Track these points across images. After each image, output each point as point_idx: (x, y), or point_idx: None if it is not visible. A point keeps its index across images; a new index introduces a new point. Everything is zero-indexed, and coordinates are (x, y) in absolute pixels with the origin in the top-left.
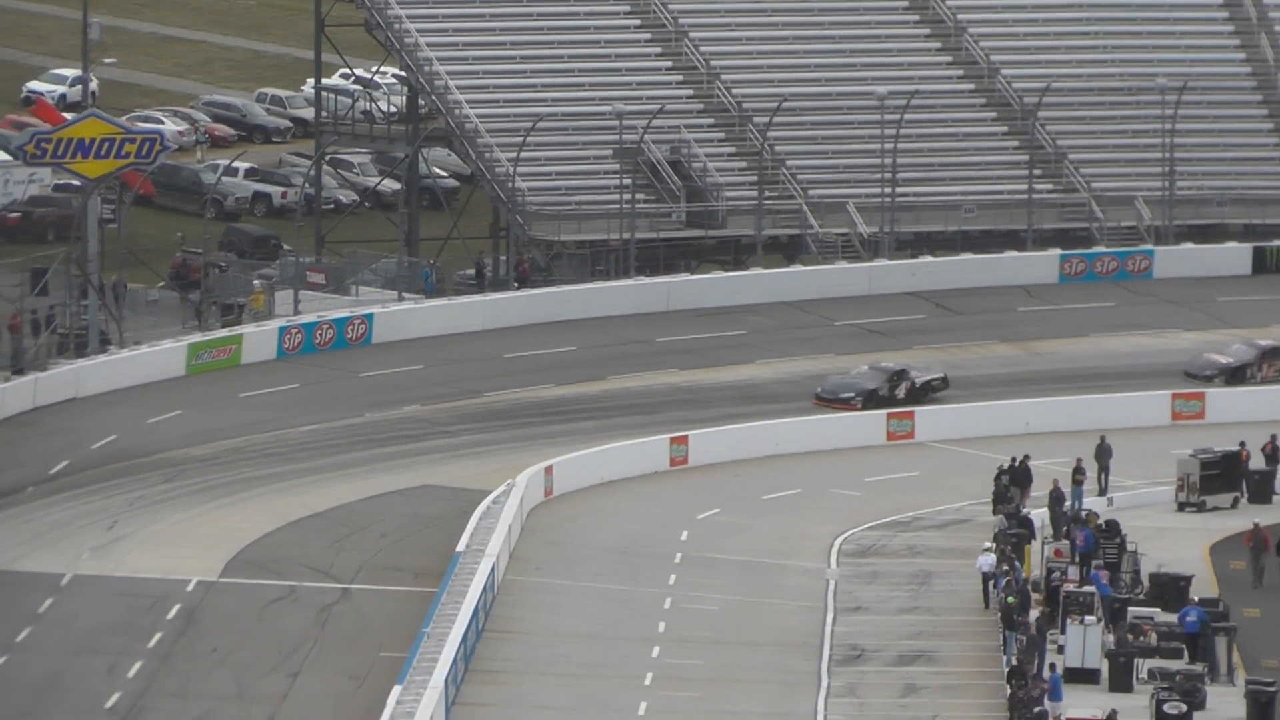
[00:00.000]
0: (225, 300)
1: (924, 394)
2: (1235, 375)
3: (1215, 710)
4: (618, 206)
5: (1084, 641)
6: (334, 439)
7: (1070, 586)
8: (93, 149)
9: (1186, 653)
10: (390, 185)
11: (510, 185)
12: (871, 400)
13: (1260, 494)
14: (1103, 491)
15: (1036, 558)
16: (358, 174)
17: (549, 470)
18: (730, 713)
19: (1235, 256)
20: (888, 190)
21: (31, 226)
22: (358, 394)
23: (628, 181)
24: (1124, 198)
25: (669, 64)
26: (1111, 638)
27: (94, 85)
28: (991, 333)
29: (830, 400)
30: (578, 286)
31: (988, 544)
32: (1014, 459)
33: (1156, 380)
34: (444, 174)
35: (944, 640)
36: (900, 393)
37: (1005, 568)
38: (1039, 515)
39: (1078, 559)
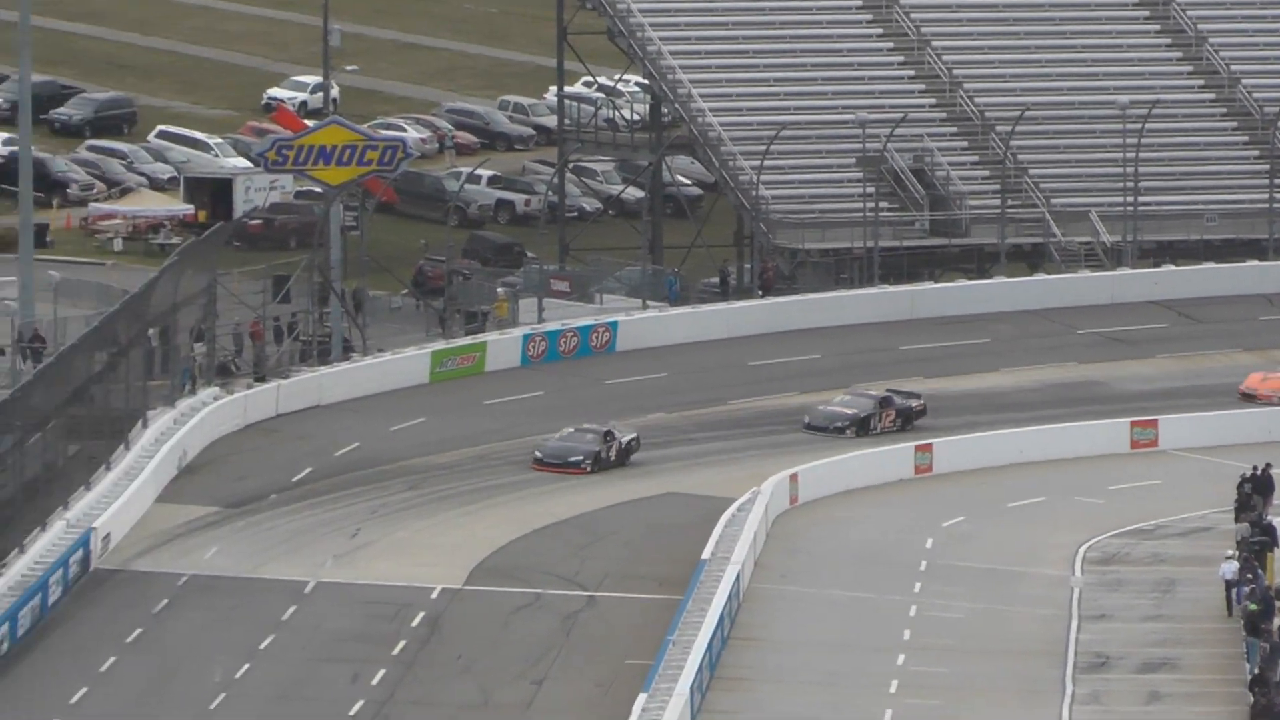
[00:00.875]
0: (469, 308)
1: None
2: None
3: None
4: (861, 215)
5: None
6: None
7: None
8: (334, 156)
9: None
10: (634, 193)
11: (754, 193)
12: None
13: None
14: None
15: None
16: (601, 181)
17: (794, 478)
18: None
19: None
20: (1129, 199)
21: (273, 233)
22: (602, 402)
23: (871, 190)
24: None
25: (911, 73)
26: None
27: (335, 92)
28: (1233, 341)
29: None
30: (822, 295)
31: (1230, 552)
32: (1256, 467)
33: None
34: (687, 182)
35: (1187, 648)
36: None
37: (1248, 575)
38: None
39: None
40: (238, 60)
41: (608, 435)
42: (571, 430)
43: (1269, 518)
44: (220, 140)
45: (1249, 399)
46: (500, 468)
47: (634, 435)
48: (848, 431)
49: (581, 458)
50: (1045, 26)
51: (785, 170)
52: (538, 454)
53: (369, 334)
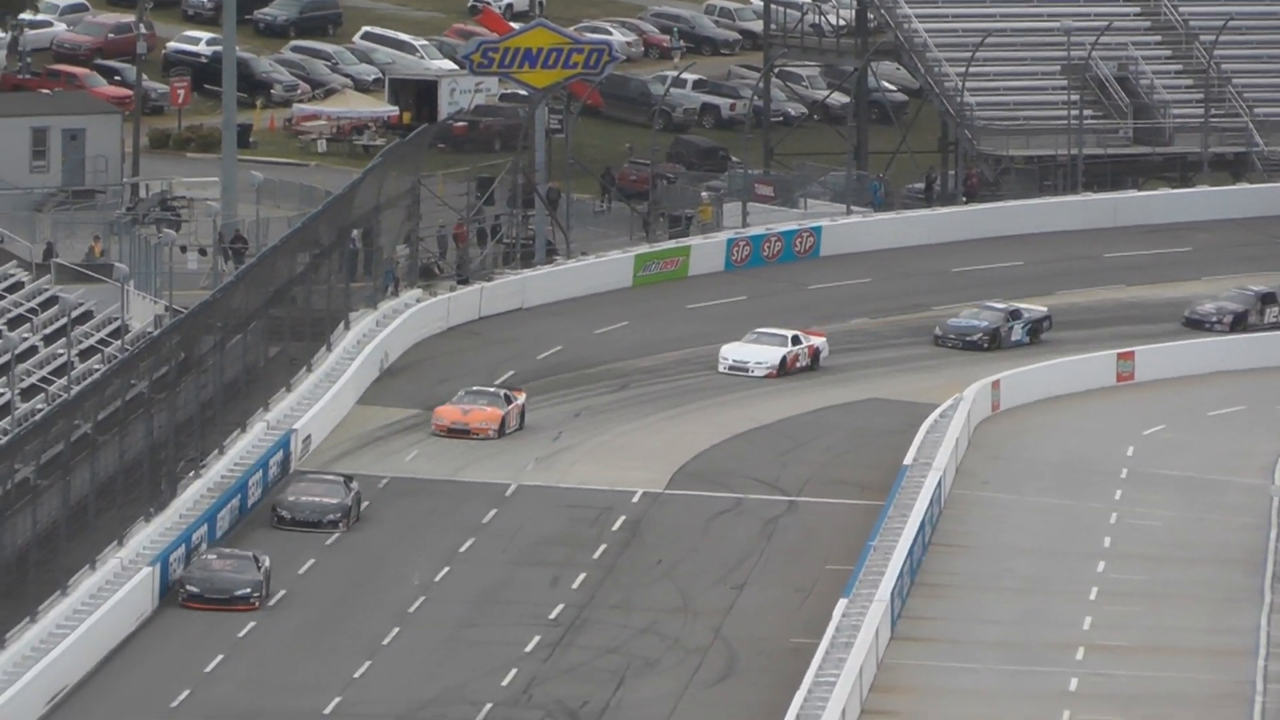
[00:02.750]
0: (673, 212)
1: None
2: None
3: None
4: (1065, 122)
5: None
6: None
7: None
8: (540, 59)
9: None
10: (838, 98)
11: (959, 100)
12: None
13: None
14: None
15: None
16: (806, 87)
17: (996, 385)
18: (1173, 628)
19: None
20: None
21: (478, 136)
22: (805, 307)
23: (1075, 98)
24: None
25: None
26: None
27: None
28: None
29: None
30: (1025, 202)
31: None
32: None
33: None
34: (892, 88)
35: None
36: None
37: None
38: None
39: None
40: None
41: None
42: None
43: None
44: (425, 42)
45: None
46: (702, 372)
47: None
48: (983, 342)
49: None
50: None
51: (990, 77)
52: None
53: (573, 237)
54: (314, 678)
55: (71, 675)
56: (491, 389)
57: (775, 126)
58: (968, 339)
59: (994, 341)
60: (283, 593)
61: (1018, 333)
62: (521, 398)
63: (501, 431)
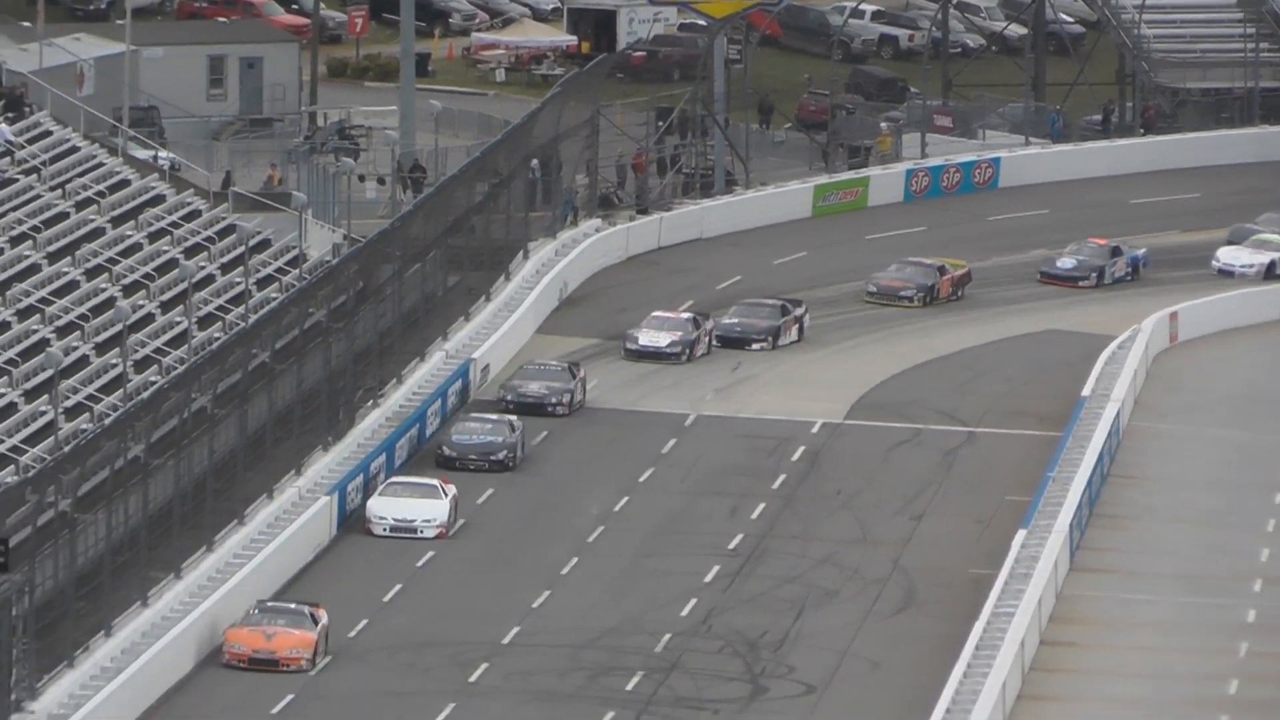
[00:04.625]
0: (851, 143)
1: None
2: None
3: None
4: (1242, 55)
5: None
6: None
7: None
8: None
9: None
10: (1016, 29)
11: (1135, 32)
12: None
13: None
14: None
15: None
16: (984, 18)
17: (1174, 316)
18: None
19: None
20: None
21: (656, 66)
22: (983, 238)
23: (1251, 30)
24: None
25: None
26: None
27: None
28: None
29: None
30: (1202, 134)
31: None
32: None
33: None
34: (1070, 19)
35: None
36: None
37: None
38: None
39: None
40: None
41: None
42: None
43: None
44: None
45: None
46: (879, 303)
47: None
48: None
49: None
50: None
51: (1167, 10)
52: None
53: (752, 168)
54: (492, 607)
55: (246, 607)
56: (292, 606)
57: (953, 58)
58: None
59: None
60: (462, 522)
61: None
62: (324, 617)
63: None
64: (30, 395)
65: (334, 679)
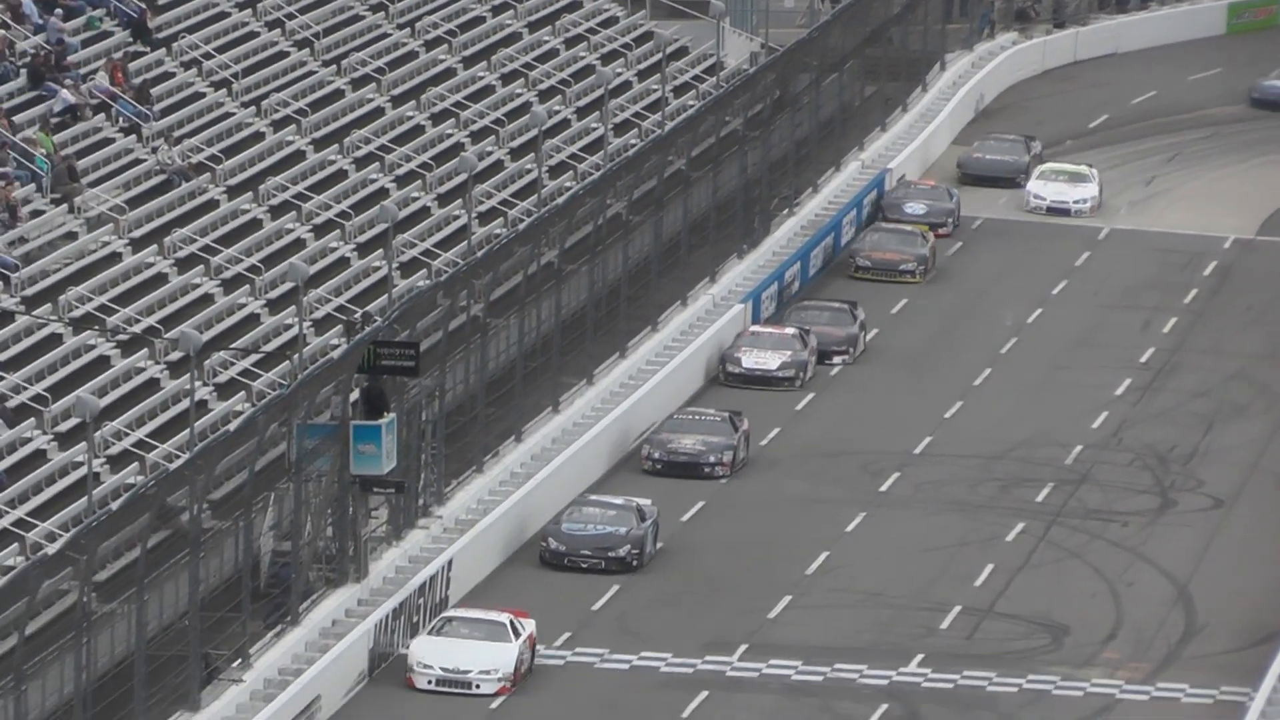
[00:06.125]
0: None
1: None
2: None
3: None
4: None
5: None
6: None
7: None
8: None
9: None
10: None
11: None
12: None
13: None
14: None
15: None
16: None
17: None
18: None
19: None
20: None
21: None
22: None
23: None
24: None
25: None
26: None
27: None
28: None
29: None
30: None
31: None
32: None
33: None
34: None
35: None
36: None
37: None
38: None
39: None
40: None
41: None
42: None
43: None
44: None
45: None
46: None
47: None
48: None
49: None
50: None
51: None
52: None
53: None
54: (906, 417)
55: (662, 411)
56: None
57: None
58: None
59: None
60: (875, 331)
61: None
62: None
63: None
64: (443, 200)
65: (745, 485)
